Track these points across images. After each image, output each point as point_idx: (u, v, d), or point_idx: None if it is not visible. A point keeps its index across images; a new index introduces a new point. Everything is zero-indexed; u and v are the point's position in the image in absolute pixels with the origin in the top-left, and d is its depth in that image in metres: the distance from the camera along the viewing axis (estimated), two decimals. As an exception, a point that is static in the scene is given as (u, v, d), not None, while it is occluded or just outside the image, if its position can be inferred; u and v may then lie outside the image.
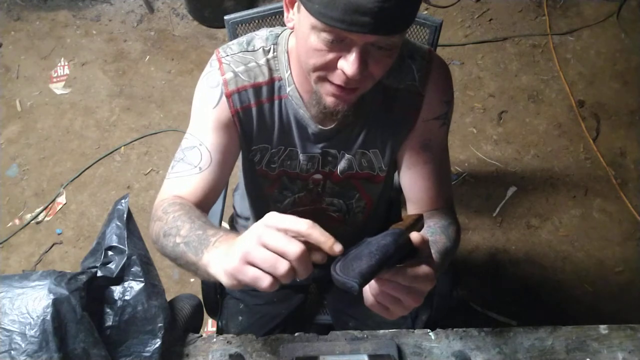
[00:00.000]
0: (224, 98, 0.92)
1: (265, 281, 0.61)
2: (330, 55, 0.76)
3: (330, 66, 0.77)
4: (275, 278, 0.61)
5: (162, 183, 0.95)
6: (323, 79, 0.80)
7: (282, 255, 0.60)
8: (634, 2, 2.66)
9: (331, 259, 0.63)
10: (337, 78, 0.78)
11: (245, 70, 0.92)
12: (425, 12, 2.57)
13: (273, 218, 0.63)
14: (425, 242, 0.67)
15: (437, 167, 1.00)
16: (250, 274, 0.61)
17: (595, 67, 2.50)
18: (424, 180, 0.99)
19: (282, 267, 0.60)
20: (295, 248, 0.60)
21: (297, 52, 0.87)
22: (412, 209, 1.04)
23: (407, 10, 0.71)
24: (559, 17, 2.64)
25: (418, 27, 1.22)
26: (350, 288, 0.59)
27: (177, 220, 0.81)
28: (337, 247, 0.61)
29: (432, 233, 0.90)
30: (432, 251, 0.73)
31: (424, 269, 0.65)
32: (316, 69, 0.78)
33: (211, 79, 0.93)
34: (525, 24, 2.62)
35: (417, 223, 0.73)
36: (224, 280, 0.65)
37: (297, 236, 0.61)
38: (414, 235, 0.66)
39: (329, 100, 0.82)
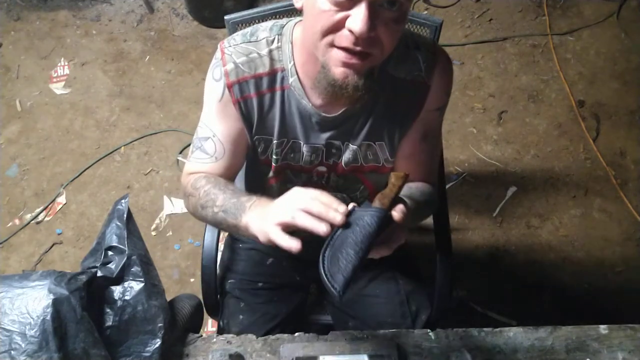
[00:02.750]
0: (226, 89, 0.94)
1: (322, 227, 0.72)
2: (339, 16, 0.76)
3: (339, 27, 0.77)
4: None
5: (183, 165, 1.00)
6: (331, 45, 0.79)
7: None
8: (634, 2, 2.66)
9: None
10: (345, 40, 0.77)
11: (247, 61, 0.93)
12: (425, 12, 2.57)
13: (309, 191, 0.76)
14: (404, 219, 0.77)
15: (430, 156, 1.05)
16: (308, 220, 0.72)
17: (595, 67, 2.49)
18: (417, 166, 1.04)
19: (339, 211, 0.73)
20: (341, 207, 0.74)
21: (303, 33, 0.88)
22: None
23: None
24: (559, 17, 2.64)
25: (418, 27, 1.22)
26: (334, 295, 0.71)
27: (209, 194, 0.93)
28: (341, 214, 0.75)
29: (409, 194, 0.95)
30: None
31: (397, 239, 0.80)
32: (324, 32, 0.78)
33: (215, 71, 0.96)
34: (525, 24, 2.62)
35: (402, 186, 0.82)
36: (267, 230, 0.76)
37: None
38: (396, 215, 0.77)
39: (338, 72, 0.80)
